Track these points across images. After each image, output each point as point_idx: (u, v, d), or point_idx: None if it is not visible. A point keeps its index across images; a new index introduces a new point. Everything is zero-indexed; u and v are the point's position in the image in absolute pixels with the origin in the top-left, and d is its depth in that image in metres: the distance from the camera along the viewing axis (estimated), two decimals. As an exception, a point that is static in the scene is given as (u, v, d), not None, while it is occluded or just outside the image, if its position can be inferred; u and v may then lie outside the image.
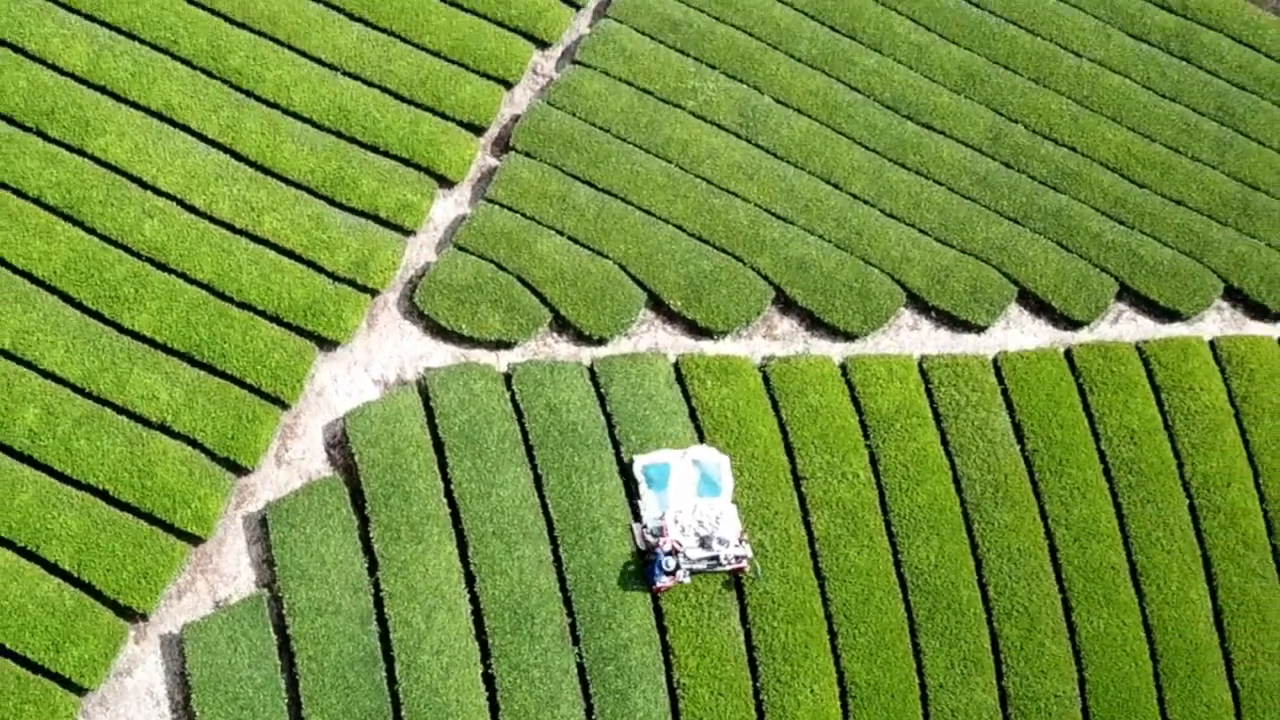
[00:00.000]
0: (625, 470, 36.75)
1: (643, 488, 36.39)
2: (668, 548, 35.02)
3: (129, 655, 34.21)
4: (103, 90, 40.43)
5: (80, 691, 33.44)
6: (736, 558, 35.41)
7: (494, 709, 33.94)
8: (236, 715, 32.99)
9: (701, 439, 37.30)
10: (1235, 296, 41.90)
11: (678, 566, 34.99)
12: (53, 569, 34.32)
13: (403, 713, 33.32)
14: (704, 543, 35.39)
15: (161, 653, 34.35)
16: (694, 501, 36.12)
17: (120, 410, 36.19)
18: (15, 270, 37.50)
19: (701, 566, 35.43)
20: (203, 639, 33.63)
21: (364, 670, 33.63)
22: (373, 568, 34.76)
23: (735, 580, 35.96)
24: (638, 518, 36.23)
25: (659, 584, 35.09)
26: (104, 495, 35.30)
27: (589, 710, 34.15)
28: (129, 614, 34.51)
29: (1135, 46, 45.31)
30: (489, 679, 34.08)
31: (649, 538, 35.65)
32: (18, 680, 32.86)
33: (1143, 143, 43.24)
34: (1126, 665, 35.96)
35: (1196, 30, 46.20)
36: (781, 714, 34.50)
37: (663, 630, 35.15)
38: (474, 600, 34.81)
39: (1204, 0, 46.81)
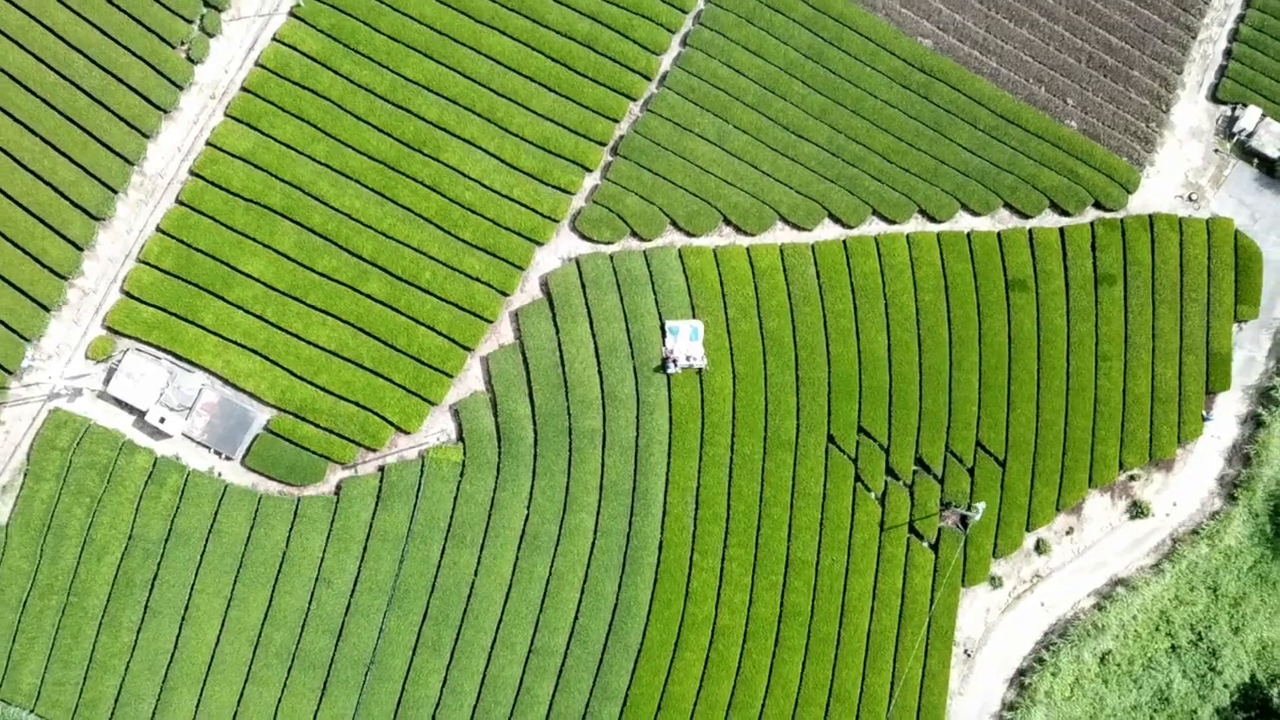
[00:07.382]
0: (660, 316, 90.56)
1: (668, 333, 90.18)
2: (673, 359, 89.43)
3: (494, 334, 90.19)
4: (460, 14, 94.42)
5: (463, 358, 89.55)
6: (701, 366, 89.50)
7: (603, 390, 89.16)
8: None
9: (690, 294, 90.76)
10: (925, 215, 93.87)
11: (675, 366, 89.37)
12: (447, 301, 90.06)
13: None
14: (688, 359, 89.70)
15: (498, 334, 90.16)
16: (687, 341, 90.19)
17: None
18: (434, 125, 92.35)
19: (687, 366, 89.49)
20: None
21: (553, 365, 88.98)
22: (556, 332, 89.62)
23: (699, 372, 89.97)
24: (664, 343, 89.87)
25: (669, 372, 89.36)
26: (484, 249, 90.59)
27: (637, 398, 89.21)
28: (486, 320, 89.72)
29: (889, 81, 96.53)
30: (601, 375, 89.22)
31: (665, 353, 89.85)
32: (431, 369, 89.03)
33: (885, 136, 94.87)
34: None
35: (921, 73, 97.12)
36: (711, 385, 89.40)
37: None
38: (595, 346, 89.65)
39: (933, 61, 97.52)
